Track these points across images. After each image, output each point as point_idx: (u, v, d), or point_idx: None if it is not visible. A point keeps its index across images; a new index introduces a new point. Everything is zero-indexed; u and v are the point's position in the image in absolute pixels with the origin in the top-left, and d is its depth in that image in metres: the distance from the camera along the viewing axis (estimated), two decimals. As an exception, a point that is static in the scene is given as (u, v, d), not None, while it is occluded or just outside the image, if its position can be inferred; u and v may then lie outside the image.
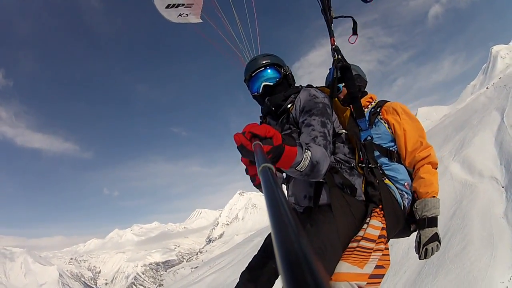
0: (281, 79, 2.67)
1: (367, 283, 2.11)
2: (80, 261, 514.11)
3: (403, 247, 10.97)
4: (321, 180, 2.32)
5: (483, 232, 8.85)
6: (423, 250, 2.70)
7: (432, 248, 2.69)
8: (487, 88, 33.74)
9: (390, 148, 2.94)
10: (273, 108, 2.62)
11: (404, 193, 2.73)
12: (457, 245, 8.88)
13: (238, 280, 2.54)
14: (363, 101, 3.19)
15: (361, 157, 2.49)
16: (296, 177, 2.20)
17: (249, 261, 2.58)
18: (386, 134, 2.98)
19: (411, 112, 3.06)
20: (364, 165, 2.49)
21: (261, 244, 2.64)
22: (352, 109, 2.71)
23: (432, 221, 2.70)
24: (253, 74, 2.68)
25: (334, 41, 2.90)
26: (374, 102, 3.24)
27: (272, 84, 2.64)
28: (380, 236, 2.29)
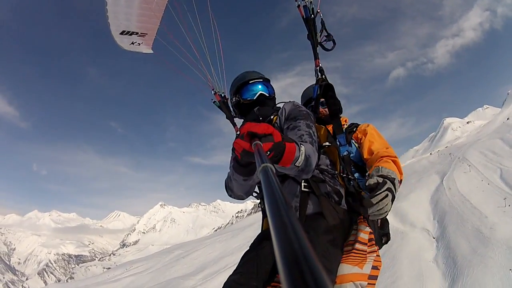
0: (273, 95, 2.89)
1: (368, 284, 2.19)
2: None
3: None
4: (307, 190, 2.43)
5: (412, 271, 9.31)
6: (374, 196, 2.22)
7: (383, 197, 2.20)
8: (430, 154, 36.30)
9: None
10: (260, 118, 2.71)
11: None
12: (386, 279, 9.15)
13: None
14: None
15: (341, 169, 2.63)
16: (291, 174, 2.21)
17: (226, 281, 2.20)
18: (357, 154, 3.05)
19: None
20: (345, 175, 2.61)
21: (239, 263, 2.34)
22: (332, 126, 2.93)
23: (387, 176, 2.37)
24: (250, 82, 2.83)
25: (318, 62, 3.10)
26: (347, 124, 3.35)
27: (267, 95, 2.82)
28: (370, 240, 2.41)
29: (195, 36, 3.59)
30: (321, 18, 3.18)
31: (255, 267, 2.21)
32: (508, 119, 53.12)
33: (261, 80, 2.87)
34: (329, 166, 2.61)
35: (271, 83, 3.00)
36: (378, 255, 2.40)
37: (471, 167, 17.22)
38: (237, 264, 2.33)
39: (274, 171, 0.96)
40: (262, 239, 2.47)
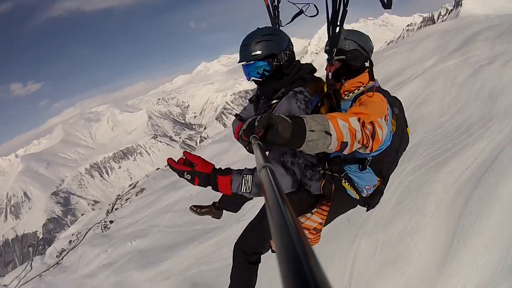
0: (271, 74, 2.41)
1: None
2: (168, 99, 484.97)
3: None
4: None
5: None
6: None
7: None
8: None
9: (366, 157, 2.37)
10: (263, 97, 2.59)
11: (364, 190, 2.43)
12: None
13: None
14: (350, 84, 2.43)
15: (327, 166, 2.44)
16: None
17: None
18: None
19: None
20: (329, 173, 2.45)
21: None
22: None
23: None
24: (244, 63, 2.44)
25: (330, 69, 2.34)
26: (363, 87, 2.42)
27: (260, 80, 2.44)
28: (315, 229, 2.50)
29: None
30: None
31: None
32: None
33: (254, 61, 2.35)
34: (314, 162, 2.49)
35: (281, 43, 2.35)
36: (313, 243, 2.56)
37: None
38: None
39: (274, 171, 0.95)
40: None
